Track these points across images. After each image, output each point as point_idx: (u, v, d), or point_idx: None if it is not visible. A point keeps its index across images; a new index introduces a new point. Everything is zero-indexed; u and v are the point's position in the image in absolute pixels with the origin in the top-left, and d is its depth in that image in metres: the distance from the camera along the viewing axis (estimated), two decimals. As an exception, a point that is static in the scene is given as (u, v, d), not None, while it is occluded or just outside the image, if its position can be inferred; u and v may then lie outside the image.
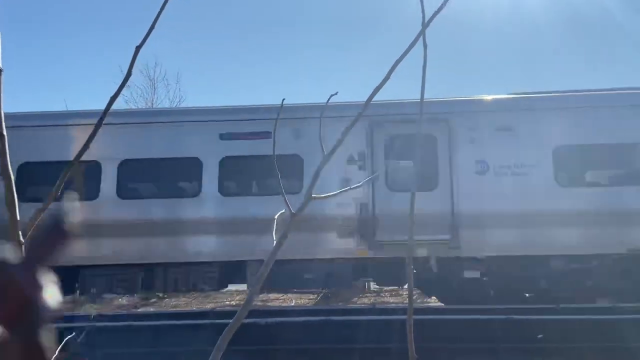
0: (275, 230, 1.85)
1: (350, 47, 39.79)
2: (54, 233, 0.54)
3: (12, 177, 1.04)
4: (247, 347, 6.63)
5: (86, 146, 1.26)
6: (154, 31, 1.28)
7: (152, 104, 24.21)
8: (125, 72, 1.27)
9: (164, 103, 24.25)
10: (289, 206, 1.63)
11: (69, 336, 2.10)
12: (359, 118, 1.68)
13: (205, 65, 37.49)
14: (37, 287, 0.50)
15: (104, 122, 1.27)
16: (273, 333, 7.86)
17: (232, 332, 1.54)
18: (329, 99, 1.88)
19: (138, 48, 1.19)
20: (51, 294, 0.51)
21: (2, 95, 1.03)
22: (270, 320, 8.44)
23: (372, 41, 34.89)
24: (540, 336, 7.83)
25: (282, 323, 8.47)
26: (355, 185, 1.83)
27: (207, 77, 37.19)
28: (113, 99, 1.23)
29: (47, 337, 0.49)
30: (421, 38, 1.63)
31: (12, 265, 0.50)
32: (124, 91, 24.13)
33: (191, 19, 35.19)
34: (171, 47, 37.53)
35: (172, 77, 35.11)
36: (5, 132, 1.04)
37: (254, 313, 8.56)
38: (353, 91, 34.41)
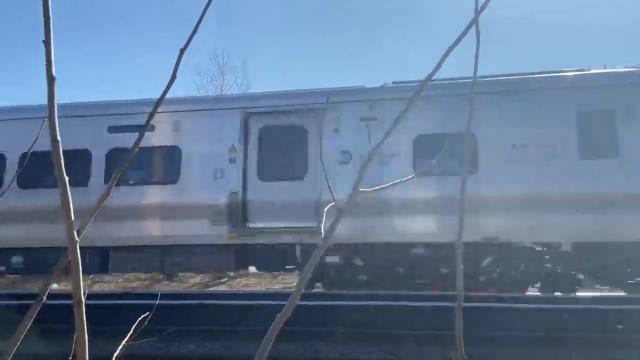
0: (324, 221, 1.88)
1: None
2: None
3: (67, 181, 1.08)
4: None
5: (142, 134, 1.27)
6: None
7: (222, 90, 24.98)
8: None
9: (232, 89, 24.96)
10: (334, 199, 1.63)
11: (143, 315, 2.19)
12: (416, 98, 1.65)
13: (271, 52, 37.87)
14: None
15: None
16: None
17: (282, 321, 1.57)
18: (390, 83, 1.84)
19: (182, 50, 1.22)
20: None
21: (55, 102, 1.08)
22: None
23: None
24: (620, 326, 7.46)
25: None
26: (406, 178, 1.79)
27: (275, 64, 37.55)
28: (160, 101, 1.27)
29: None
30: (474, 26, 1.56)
31: None
32: (195, 78, 24.96)
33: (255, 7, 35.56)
34: (238, 35, 38.15)
35: (239, 64, 35.89)
36: (59, 137, 1.08)
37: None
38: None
